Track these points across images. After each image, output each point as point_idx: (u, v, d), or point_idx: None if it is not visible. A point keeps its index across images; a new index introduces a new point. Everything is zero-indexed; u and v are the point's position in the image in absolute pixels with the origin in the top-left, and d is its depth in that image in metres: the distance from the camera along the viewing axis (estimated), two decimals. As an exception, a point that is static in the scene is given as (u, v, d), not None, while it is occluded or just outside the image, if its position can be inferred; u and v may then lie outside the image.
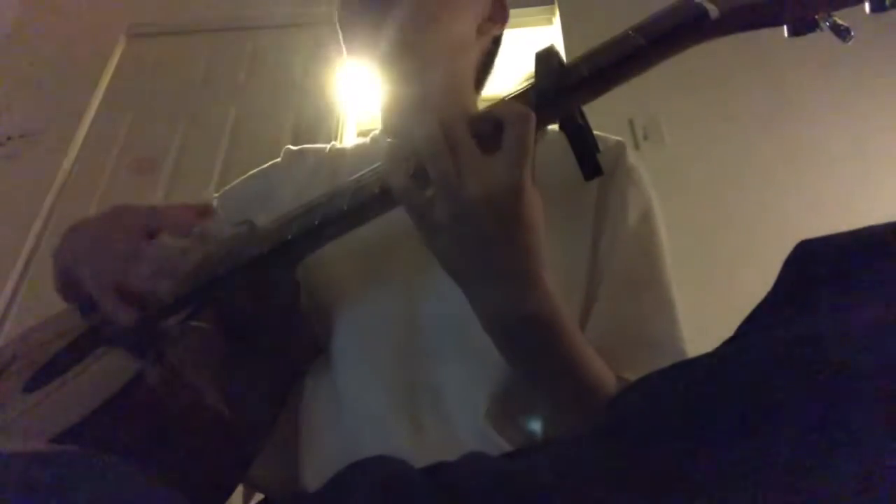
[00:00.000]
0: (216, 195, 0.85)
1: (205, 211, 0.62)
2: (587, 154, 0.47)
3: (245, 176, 0.85)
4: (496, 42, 0.82)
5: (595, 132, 0.49)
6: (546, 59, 0.47)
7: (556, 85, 0.46)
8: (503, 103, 0.46)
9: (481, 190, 0.42)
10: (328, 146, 0.87)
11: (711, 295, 1.55)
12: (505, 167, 0.42)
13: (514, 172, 0.42)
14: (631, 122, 2.13)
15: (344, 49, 0.74)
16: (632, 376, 0.56)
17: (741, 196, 2.00)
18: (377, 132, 0.84)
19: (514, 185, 0.42)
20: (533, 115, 0.43)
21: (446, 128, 0.44)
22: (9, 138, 2.38)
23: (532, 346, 0.49)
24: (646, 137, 2.11)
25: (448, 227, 0.44)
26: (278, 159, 0.85)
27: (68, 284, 0.64)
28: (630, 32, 0.44)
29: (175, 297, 0.58)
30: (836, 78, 2.15)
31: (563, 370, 0.50)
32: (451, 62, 0.74)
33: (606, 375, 0.53)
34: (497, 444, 0.54)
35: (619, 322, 0.62)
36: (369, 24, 0.69)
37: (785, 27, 0.41)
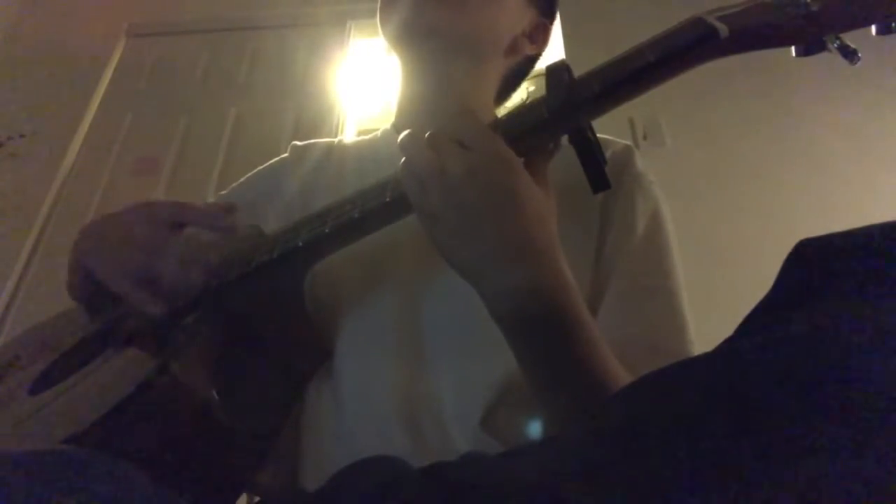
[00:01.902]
0: (223, 192, 0.85)
1: (230, 207, 0.62)
2: (595, 168, 0.48)
3: (253, 172, 0.85)
4: (530, 62, 0.83)
5: (603, 136, 0.50)
6: (557, 73, 0.48)
7: (567, 100, 0.47)
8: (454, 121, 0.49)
9: (463, 168, 0.44)
10: (336, 140, 0.87)
11: (711, 295, 1.55)
12: (477, 147, 0.45)
13: (487, 147, 0.45)
14: (631, 122, 2.13)
15: (379, 24, 0.74)
16: None
17: (741, 196, 2.00)
18: (387, 127, 0.83)
19: (493, 157, 0.45)
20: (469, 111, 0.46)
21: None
22: (9, 138, 2.37)
23: (544, 333, 0.46)
24: (646, 137, 2.11)
25: (443, 213, 0.45)
26: (286, 154, 0.85)
27: (85, 281, 0.64)
28: (640, 49, 0.45)
29: (185, 301, 0.58)
30: (836, 79, 2.15)
31: (577, 363, 0.46)
32: (475, 59, 0.75)
33: (620, 375, 0.49)
34: (493, 450, 0.54)
35: (624, 329, 0.60)
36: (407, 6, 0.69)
37: (793, 47, 0.42)
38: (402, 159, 0.48)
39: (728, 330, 0.34)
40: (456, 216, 0.45)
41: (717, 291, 1.60)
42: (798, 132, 2.10)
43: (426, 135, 0.48)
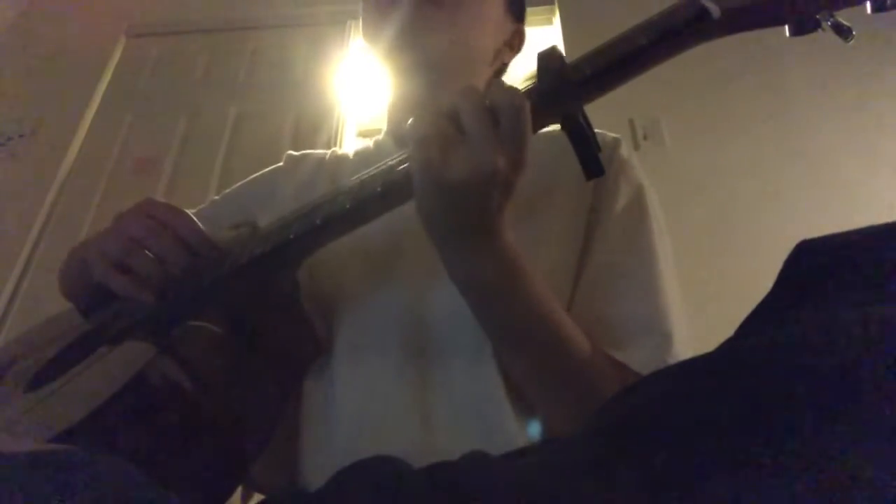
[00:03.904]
0: (216, 197, 0.86)
1: (213, 245, 0.62)
2: (589, 154, 0.47)
3: (247, 179, 0.86)
4: (503, 68, 0.84)
5: (594, 130, 0.50)
6: (548, 59, 0.47)
7: (559, 85, 0.46)
8: (496, 86, 0.47)
9: (503, 164, 0.44)
10: (329, 151, 0.87)
11: (711, 295, 1.55)
12: (506, 154, 0.44)
13: (517, 156, 0.45)
14: (631, 122, 2.12)
15: (365, 35, 0.74)
16: (613, 353, 0.57)
17: (741, 196, 1.99)
18: (380, 136, 0.84)
19: (517, 164, 0.45)
20: (527, 104, 0.44)
21: (437, 116, 0.46)
22: (9, 138, 2.38)
23: (500, 290, 0.51)
24: (646, 137, 2.11)
25: (451, 188, 0.45)
26: (280, 163, 0.85)
27: (80, 273, 0.64)
28: (632, 32, 0.44)
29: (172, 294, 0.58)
30: (836, 77, 2.15)
31: (531, 314, 0.52)
32: (467, 73, 0.75)
33: (580, 335, 0.55)
34: (507, 442, 0.54)
35: (597, 307, 0.61)
36: (397, 15, 0.70)
37: (787, 26, 0.41)
38: (417, 120, 0.47)
39: (728, 330, 0.35)
40: (460, 193, 0.45)
41: (717, 291, 1.59)
42: (798, 132, 2.10)
43: (454, 104, 0.46)
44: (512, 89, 0.45)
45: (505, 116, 0.44)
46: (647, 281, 0.62)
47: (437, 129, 0.45)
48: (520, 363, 0.56)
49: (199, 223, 0.65)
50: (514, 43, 0.81)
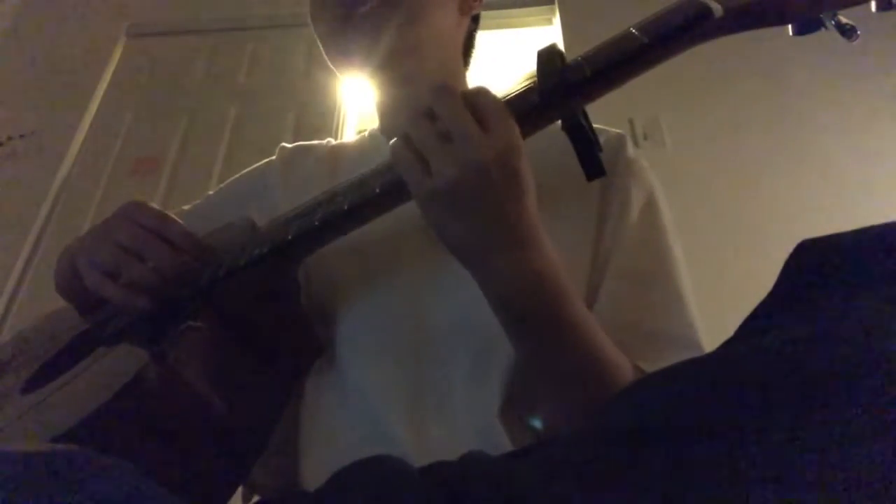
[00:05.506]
0: (210, 193, 0.85)
1: (206, 249, 0.61)
2: (590, 155, 0.47)
3: (239, 174, 0.85)
4: (475, 22, 0.83)
5: (595, 125, 0.49)
6: (548, 58, 0.47)
7: (559, 84, 0.46)
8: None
9: (484, 153, 0.43)
10: (325, 141, 0.87)
11: (712, 295, 1.54)
12: (492, 140, 0.44)
13: (508, 131, 0.44)
14: (631, 122, 2.12)
15: (332, 61, 0.73)
16: (644, 366, 0.55)
17: (741, 196, 1.99)
18: (375, 129, 0.83)
19: (512, 141, 0.44)
20: (485, 89, 0.45)
21: (431, 107, 0.46)
22: (9, 138, 2.38)
23: (537, 312, 0.48)
24: (646, 137, 2.11)
25: (445, 193, 0.45)
26: (273, 157, 0.85)
27: (72, 277, 0.64)
28: (633, 31, 0.44)
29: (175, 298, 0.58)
30: (836, 78, 2.15)
31: (570, 340, 0.49)
32: (441, 54, 0.75)
33: (615, 351, 0.52)
34: (501, 445, 0.54)
35: (622, 316, 0.60)
36: (360, 37, 0.68)
37: (790, 26, 0.41)
38: (393, 141, 0.47)
39: (729, 330, 0.35)
40: (460, 197, 0.44)
41: (717, 292, 1.59)
42: (798, 132, 2.10)
43: (428, 107, 0.46)
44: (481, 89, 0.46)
45: (471, 100, 0.45)
46: (672, 291, 0.62)
47: (417, 144, 0.45)
48: (552, 385, 0.53)
49: (192, 221, 0.65)
50: None
